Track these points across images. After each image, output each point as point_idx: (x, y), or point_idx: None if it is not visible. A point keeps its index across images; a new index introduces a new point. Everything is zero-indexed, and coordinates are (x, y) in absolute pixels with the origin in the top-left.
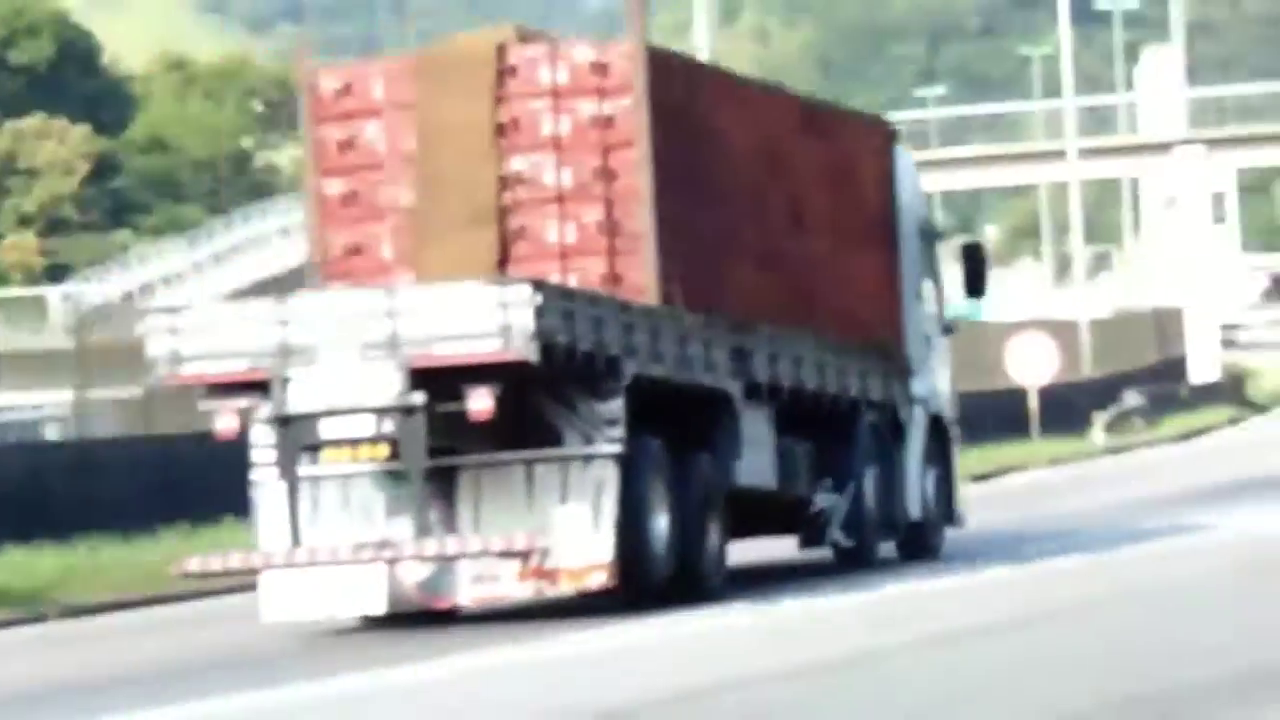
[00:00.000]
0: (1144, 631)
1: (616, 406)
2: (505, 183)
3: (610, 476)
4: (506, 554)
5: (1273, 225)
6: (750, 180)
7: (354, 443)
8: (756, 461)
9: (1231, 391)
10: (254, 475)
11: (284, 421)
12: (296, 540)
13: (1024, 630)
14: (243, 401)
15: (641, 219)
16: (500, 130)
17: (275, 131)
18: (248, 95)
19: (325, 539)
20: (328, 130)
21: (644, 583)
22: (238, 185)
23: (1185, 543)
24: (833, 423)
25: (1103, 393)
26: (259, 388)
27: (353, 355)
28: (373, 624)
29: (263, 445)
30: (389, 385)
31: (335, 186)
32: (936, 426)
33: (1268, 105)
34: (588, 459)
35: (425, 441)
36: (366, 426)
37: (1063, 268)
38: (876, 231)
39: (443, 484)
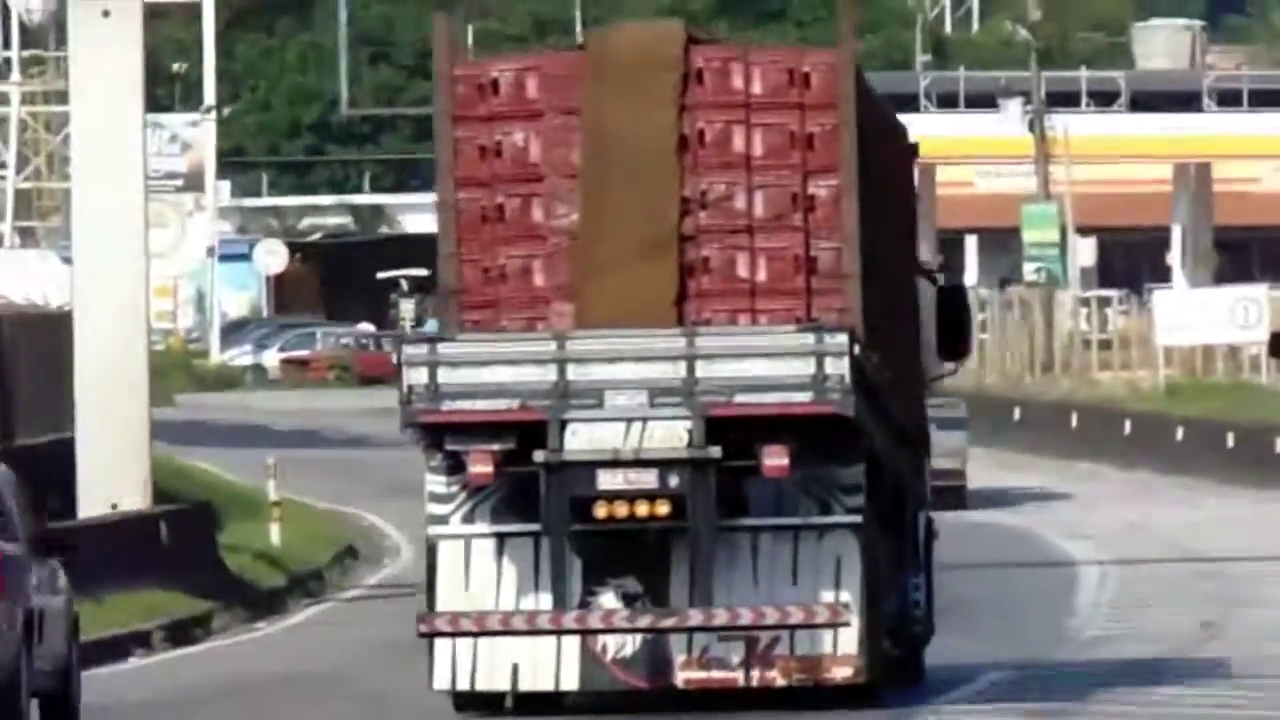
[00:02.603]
0: None
1: (859, 471)
2: (688, 206)
3: (851, 550)
4: (746, 629)
5: None
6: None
7: (634, 497)
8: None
9: None
10: (431, 529)
11: (556, 469)
12: (562, 603)
13: None
14: (497, 445)
15: (847, 258)
16: (683, 145)
17: None
18: None
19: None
20: (468, 132)
21: (877, 674)
22: None
23: None
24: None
25: None
26: (522, 430)
27: (641, 400)
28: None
29: (442, 496)
30: (681, 436)
31: (476, 201)
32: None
33: None
34: (823, 529)
35: (715, 499)
36: (651, 479)
37: None
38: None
39: (655, 550)
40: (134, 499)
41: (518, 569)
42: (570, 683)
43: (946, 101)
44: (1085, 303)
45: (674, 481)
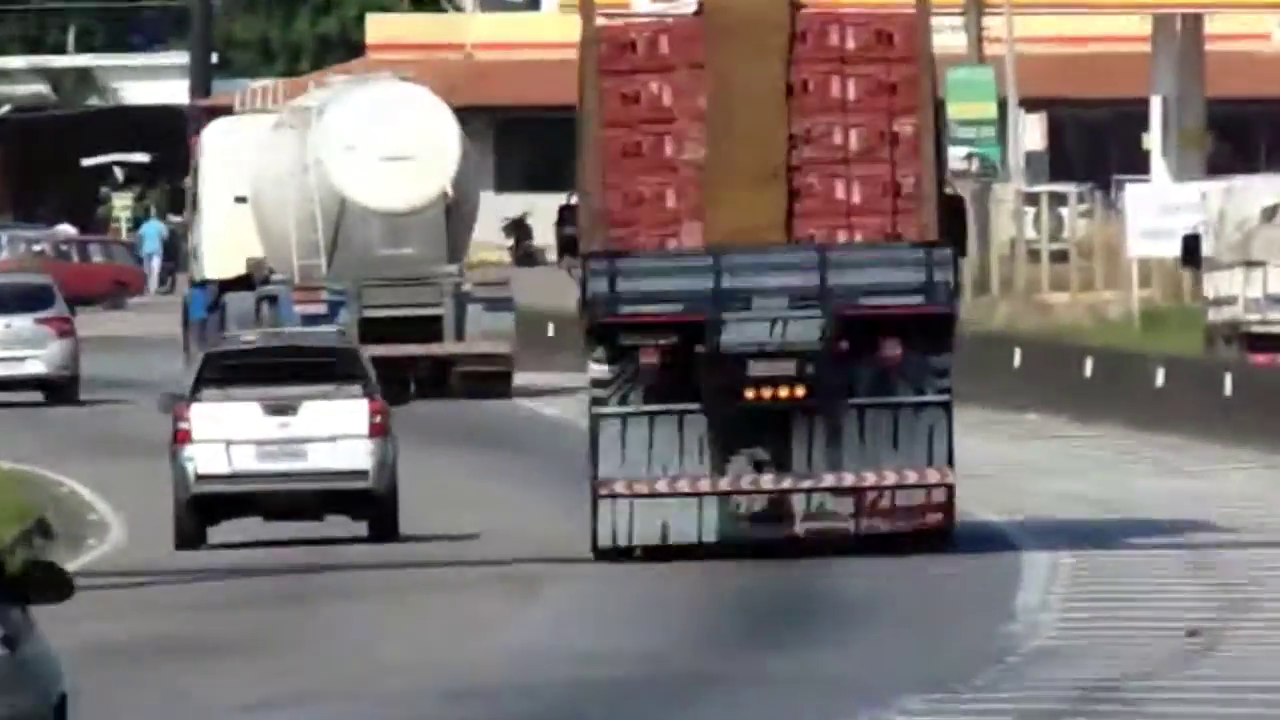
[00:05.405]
0: None
1: (948, 359)
2: (794, 142)
3: (942, 423)
4: (858, 490)
5: None
6: None
7: (777, 381)
8: None
9: None
10: (594, 409)
11: (715, 360)
12: (718, 469)
13: None
14: (664, 340)
15: (925, 182)
16: (790, 92)
17: None
18: None
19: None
20: (612, 84)
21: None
22: None
23: None
24: None
25: None
26: (684, 329)
27: (783, 303)
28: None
29: (603, 382)
30: (815, 332)
31: (619, 139)
32: None
33: None
34: (919, 406)
35: (844, 384)
36: (791, 368)
37: None
38: None
39: (779, 425)
40: None
41: (665, 442)
42: (710, 536)
43: None
44: (1033, 200)
45: (810, 369)
